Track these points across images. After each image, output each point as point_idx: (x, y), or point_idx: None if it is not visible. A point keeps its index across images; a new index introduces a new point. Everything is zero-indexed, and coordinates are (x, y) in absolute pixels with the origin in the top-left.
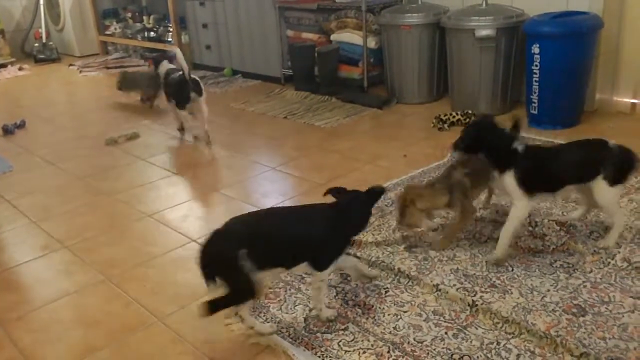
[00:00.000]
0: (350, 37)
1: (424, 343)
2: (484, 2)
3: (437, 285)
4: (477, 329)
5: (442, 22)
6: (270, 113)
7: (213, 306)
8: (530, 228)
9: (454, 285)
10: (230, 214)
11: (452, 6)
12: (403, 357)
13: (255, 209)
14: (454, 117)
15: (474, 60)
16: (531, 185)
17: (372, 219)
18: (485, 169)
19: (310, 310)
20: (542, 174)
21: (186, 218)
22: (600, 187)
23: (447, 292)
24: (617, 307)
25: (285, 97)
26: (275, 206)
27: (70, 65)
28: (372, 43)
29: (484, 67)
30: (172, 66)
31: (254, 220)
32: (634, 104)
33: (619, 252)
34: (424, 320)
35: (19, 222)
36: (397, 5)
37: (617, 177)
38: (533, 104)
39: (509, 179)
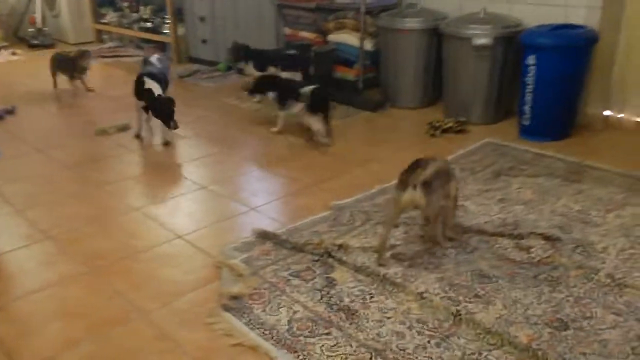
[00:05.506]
0: (348, 38)
1: (406, 351)
2: (483, 11)
3: (422, 293)
4: (459, 338)
5: (440, 29)
6: (263, 111)
7: None
8: (516, 240)
9: (439, 294)
10: (218, 211)
11: (451, 13)
12: None
13: (244, 208)
14: (446, 124)
15: (469, 68)
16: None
17: (358, 223)
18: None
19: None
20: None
21: (174, 213)
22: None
23: (432, 301)
24: (598, 322)
25: None
26: None
27: None
28: (368, 45)
29: (478, 75)
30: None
31: None
32: (621, 118)
33: (603, 268)
34: (408, 328)
35: (3, 210)
36: (396, 9)
37: (310, 108)
38: (525, 115)
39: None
